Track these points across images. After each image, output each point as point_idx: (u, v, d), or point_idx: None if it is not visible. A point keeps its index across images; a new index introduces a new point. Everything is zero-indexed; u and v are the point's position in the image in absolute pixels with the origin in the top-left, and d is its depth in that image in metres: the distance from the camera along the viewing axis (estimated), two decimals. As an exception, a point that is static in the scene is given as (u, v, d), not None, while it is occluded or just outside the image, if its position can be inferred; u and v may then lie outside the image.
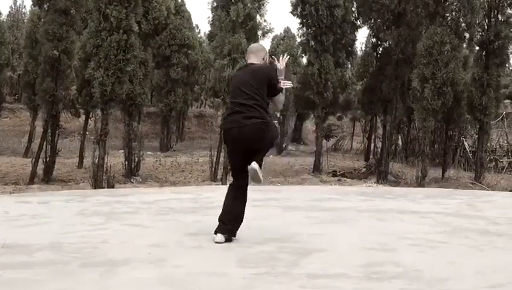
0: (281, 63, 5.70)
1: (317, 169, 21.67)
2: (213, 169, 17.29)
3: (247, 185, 5.62)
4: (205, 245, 5.33)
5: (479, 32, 21.78)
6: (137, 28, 15.22)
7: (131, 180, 16.46)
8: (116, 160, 17.54)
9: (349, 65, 35.20)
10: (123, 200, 8.19)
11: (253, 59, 5.71)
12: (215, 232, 5.46)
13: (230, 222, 5.51)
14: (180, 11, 31.56)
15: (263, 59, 5.74)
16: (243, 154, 5.44)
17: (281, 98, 5.70)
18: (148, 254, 4.94)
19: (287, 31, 47.04)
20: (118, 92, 14.41)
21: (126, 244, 5.34)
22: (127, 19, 14.51)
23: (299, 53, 37.30)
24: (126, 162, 17.24)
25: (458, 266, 4.71)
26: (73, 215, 6.89)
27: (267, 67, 5.70)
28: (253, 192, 9.96)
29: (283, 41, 44.94)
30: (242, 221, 5.60)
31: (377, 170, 21.12)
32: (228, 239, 5.44)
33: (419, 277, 4.34)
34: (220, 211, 6.80)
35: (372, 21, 25.29)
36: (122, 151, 18.75)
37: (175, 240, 5.53)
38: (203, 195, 9.15)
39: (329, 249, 5.26)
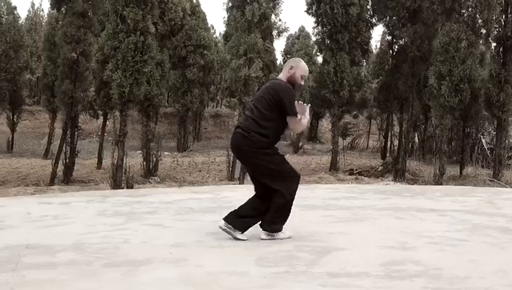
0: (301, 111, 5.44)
1: (334, 167, 21.65)
2: (230, 169, 17.34)
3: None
4: (225, 245, 5.34)
5: (496, 28, 21.64)
6: (154, 29, 15.34)
7: (150, 180, 16.57)
8: (134, 160, 17.66)
9: (365, 63, 35.10)
10: (143, 201, 8.24)
11: (280, 74, 5.70)
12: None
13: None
14: (196, 12, 31.65)
15: (288, 72, 5.53)
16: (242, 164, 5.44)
17: (293, 123, 5.52)
18: (169, 253, 4.96)
19: (302, 30, 47.00)
20: (136, 93, 14.52)
21: (147, 244, 5.37)
22: (143, 21, 14.62)
23: (314, 52, 37.28)
24: (144, 163, 17.36)
25: (479, 264, 4.67)
26: (94, 215, 6.94)
27: (279, 86, 5.47)
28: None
29: (298, 40, 44.91)
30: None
31: (394, 168, 21.05)
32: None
33: (440, 275, 4.31)
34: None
35: (388, 18, 25.24)
36: (140, 151, 18.85)
37: (195, 240, 5.54)
38: (221, 194, 9.16)
39: (349, 248, 5.24)
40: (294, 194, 5.61)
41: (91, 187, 14.97)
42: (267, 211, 5.54)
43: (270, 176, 5.48)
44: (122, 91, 14.26)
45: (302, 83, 5.64)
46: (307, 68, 5.75)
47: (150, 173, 17.01)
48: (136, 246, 5.28)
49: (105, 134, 21.38)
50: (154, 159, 17.31)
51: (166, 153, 24.37)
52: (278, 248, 5.18)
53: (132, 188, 13.65)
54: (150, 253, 4.97)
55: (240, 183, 14.73)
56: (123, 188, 13.67)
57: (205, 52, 31.58)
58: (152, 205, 7.87)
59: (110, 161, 14.43)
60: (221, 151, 21.81)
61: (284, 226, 5.62)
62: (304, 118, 5.46)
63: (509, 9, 21.45)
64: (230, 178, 16.90)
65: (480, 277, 4.27)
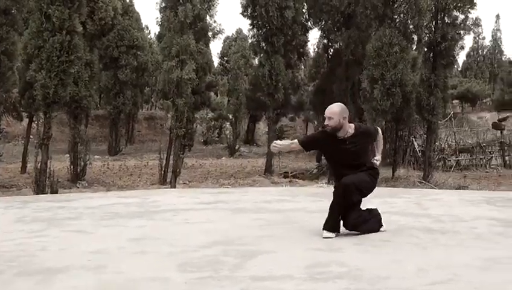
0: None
1: (268, 171, 21.73)
2: (162, 172, 17.15)
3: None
4: (148, 250, 5.24)
5: (426, 34, 22.24)
6: (81, 28, 14.96)
7: (77, 185, 16.19)
8: (61, 164, 17.22)
9: (302, 66, 35.39)
10: (66, 206, 8.03)
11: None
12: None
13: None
14: (129, 12, 31.21)
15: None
16: None
17: None
18: (88, 260, 4.83)
19: (239, 32, 47.02)
20: (62, 95, 14.14)
21: (66, 251, 5.21)
22: (70, 20, 14.25)
23: (250, 54, 37.37)
24: (72, 167, 16.94)
25: (401, 264, 4.75)
26: (11, 222, 6.71)
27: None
28: (202, 195, 9.94)
29: (235, 43, 44.96)
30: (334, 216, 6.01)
31: (328, 171, 21.30)
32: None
33: (362, 275, 4.36)
34: (166, 214, 6.73)
35: (323, 23, 25.53)
36: (68, 155, 18.42)
37: (117, 246, 5.42)
38: (150, 199, 9.04)
39: (275, 251, 5.23)
40: (335, 202, 6.02)
41: (13, 192, 14.49)
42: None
43: None
44: (46, 92, 13.85)
45: (326, 122, 6.11)
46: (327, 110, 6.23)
47: (77, 178, 16.63)
48: (53, 254, 5.12)
49: (31, 137, 20.73)
50: (82, 162, 16.93)
51: (96, 156, 23.92)
52: (203, 253, 5.13)
53: (57, 193, 13.28)
54: (67, 260, 4.82)
55: (171, 187, 14.58)
56: (47, 193, 13.27)
57: (139, 53, 31.18)
58: (76, 210, 7.67)
59: (34, 165, 14.03)
60: (155, 155, 21.54)
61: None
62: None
63: (439, 16, 22.09)
64: (163, 182, 16.72)
65: (401, 277, 4.34)
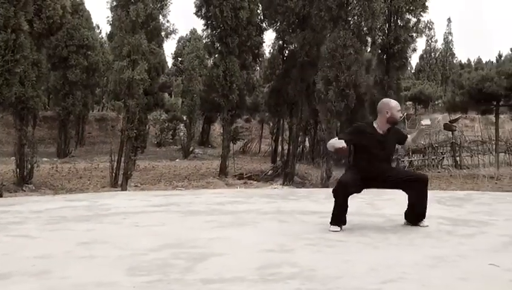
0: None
1: (223, 172, 21.70)
2: (113, 175, 16.91)
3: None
4: (96, 254, 5.14)
5: (380, 36, 22.55)
6: (27, 27, 14.62)
7: (23, 188, 15.82)
8: (7, 167, 16.82)
9: (257, 68, 35.46)
10: (10, 210, 7.82)
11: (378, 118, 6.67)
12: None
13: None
14: (79, 10, 30.76)
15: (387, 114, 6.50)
16: None
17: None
18: (32, 266, 4.70)
19: (194, 32, 46.80)
20: (7, 95, 13.80)
21: (8, 257, 5.06)
22: (15, 17, 13.92)
23: (205, 55, 37.24)
24: (18, 169, 16.56)
25: (352, 263, 4.78)
26: (-49, 228, 6.49)
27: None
28: (154, 197, 9.83)
29: (189, 43, 44.76)
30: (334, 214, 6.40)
31: (284, 172, 21.39)
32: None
33: (314, 276, 4.37)
34: (116, 218, 6.63)
35: (278, 24, 25.60)
36: (14, 158, 17.99)
37: (63, 250, 5.29)
38: (99, 202, 8.89)
39: (227, 253, 5.20)
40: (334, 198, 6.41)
41: (-44, 196, 14.08)
42: None
43: None
44: (-11, 93, 13.54)
45: (400, 114, 6.58)
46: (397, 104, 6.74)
47: (23, 181, 16.24)
48: (-4, 259, 4.97)
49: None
50: (29, 165, 16.55)
51: (44, 159, 23.45)
52: (153, 256, 5.05)
53: (1, 196, 12.94)
54: (10, 266, 4.67)
55: (122, 190, 14.40)
56: (-9, 196, 12.94)
57: (89, 52, 30.76)
58: (20, 214, 7.48)
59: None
60: (106, 157, 21.21)
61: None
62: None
63: (392, 18, 22.43)
64: (113, 185, 16.48)
65: (352, 276, 4.37)
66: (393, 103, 6.67)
